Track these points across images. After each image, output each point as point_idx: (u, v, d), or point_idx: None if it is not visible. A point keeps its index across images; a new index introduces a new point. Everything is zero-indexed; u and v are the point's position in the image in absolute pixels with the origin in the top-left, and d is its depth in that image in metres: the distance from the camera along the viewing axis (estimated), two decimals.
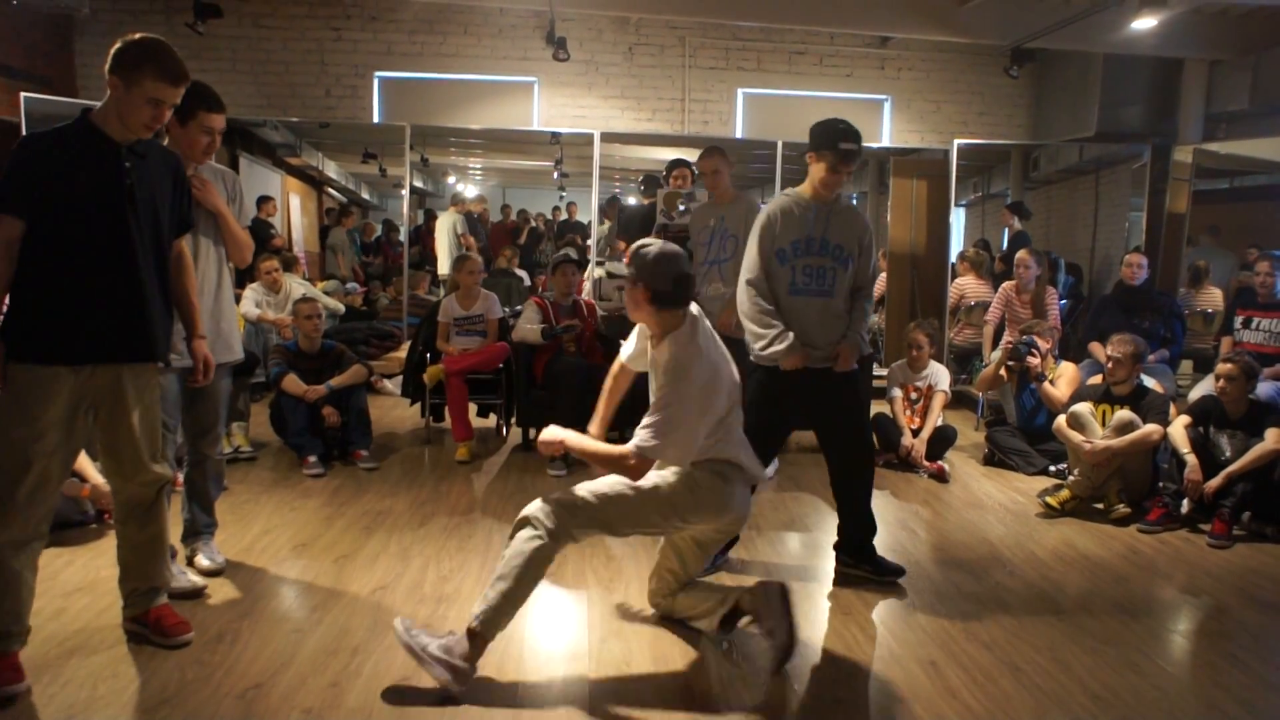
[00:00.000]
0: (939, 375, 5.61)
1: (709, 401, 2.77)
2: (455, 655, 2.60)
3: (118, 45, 2.59)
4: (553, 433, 2.84)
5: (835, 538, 3.68)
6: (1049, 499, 4.63)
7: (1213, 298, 7.23)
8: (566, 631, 3.09)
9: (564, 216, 11.26)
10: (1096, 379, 5.28)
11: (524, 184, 12.21)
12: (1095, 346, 6.03)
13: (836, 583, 3.59)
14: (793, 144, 8.47)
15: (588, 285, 7.59)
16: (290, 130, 9.04)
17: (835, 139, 3.46)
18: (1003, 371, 5.58)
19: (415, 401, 5.93)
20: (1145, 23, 6.37)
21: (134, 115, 2.58)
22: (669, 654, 2.91)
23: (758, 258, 3.52)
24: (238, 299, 6.94)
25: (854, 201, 11.12)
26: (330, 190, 10.95)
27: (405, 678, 2.69)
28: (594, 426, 3.12)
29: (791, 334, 3.43)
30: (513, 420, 5.89)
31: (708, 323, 2.94)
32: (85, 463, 3.99)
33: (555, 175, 10.23)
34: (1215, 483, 4.34)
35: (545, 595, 3.39)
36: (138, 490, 2.82)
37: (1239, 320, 5.80)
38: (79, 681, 2.62)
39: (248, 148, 8.81)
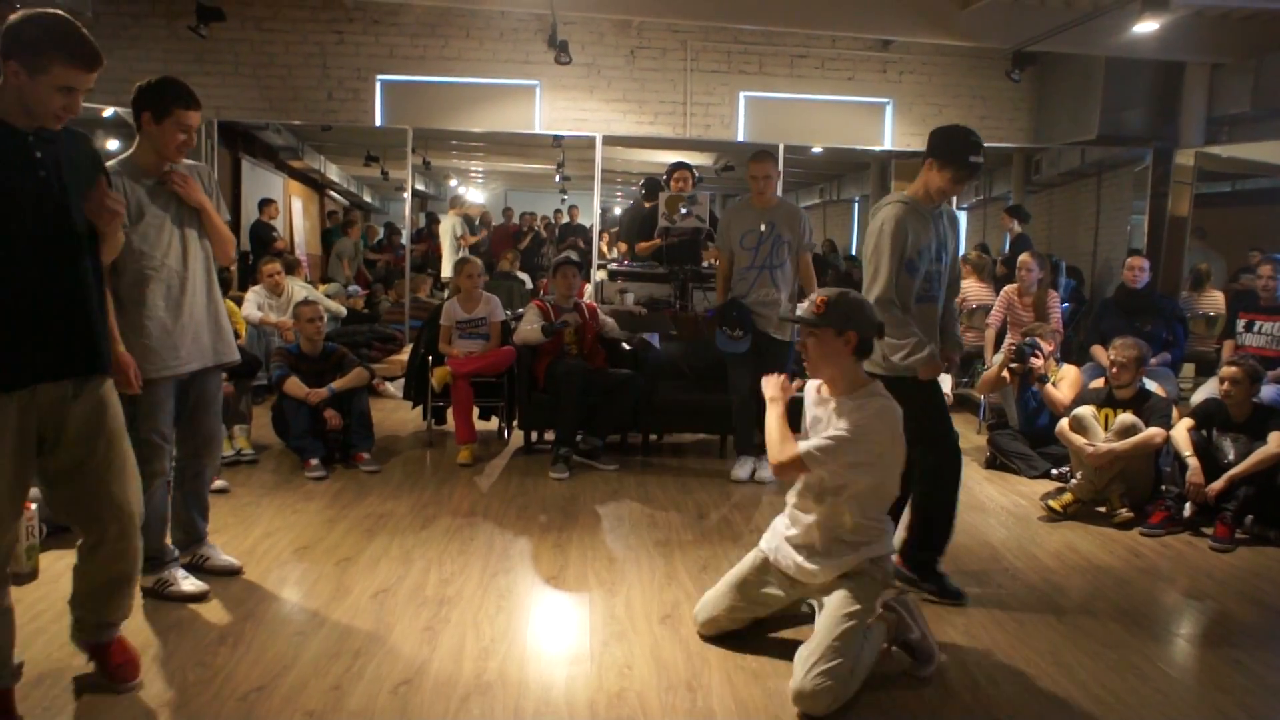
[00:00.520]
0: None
1: (887, 478, 2.82)
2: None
3: (11, 23, 2.21)
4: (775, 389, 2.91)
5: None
6: (1051, 502, 4.63)
7: (1214, 301, 7.23)
8: (568, 635, 3.08)
9: (565, 219, 11.28)
10: (1099, 382, 5.28)
11: (526, 187, 12.23)
12: (1097, 349, 6.03)
13: None
14: (794, 147, 8.49)
15: (589, 288, 7.60)
16: (292, 133, 9.07)
17: (966, 152, 3.32)
18: (1005, 374, 5.58)
19: (417, 404, 5.93)
20: (1147, 26, 6.37)
21: (42, 106, 2.25)
22: (671, 658, 2.90)
23: (890, 267, 3.32)
24: (239, 302, 7.00)
25: (854, 202, 11.17)
26: (332, 193, 10.97)
27: (406, 680, 2.69)
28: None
29: (930, 345, 3.34)
30: (514, 423, 5.89)
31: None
32: None
33: (557, 178, 10.25)
34: (1217, 486, 4.34)
35: (547, 598, 3.40)
36: (103, 529, 2.49)
37: (1241, 324, 5.80)
38: (81, 684, 2.61)
39: (250, 151, 8.83)
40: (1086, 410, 4.80)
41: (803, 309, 2.87)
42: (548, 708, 2.59)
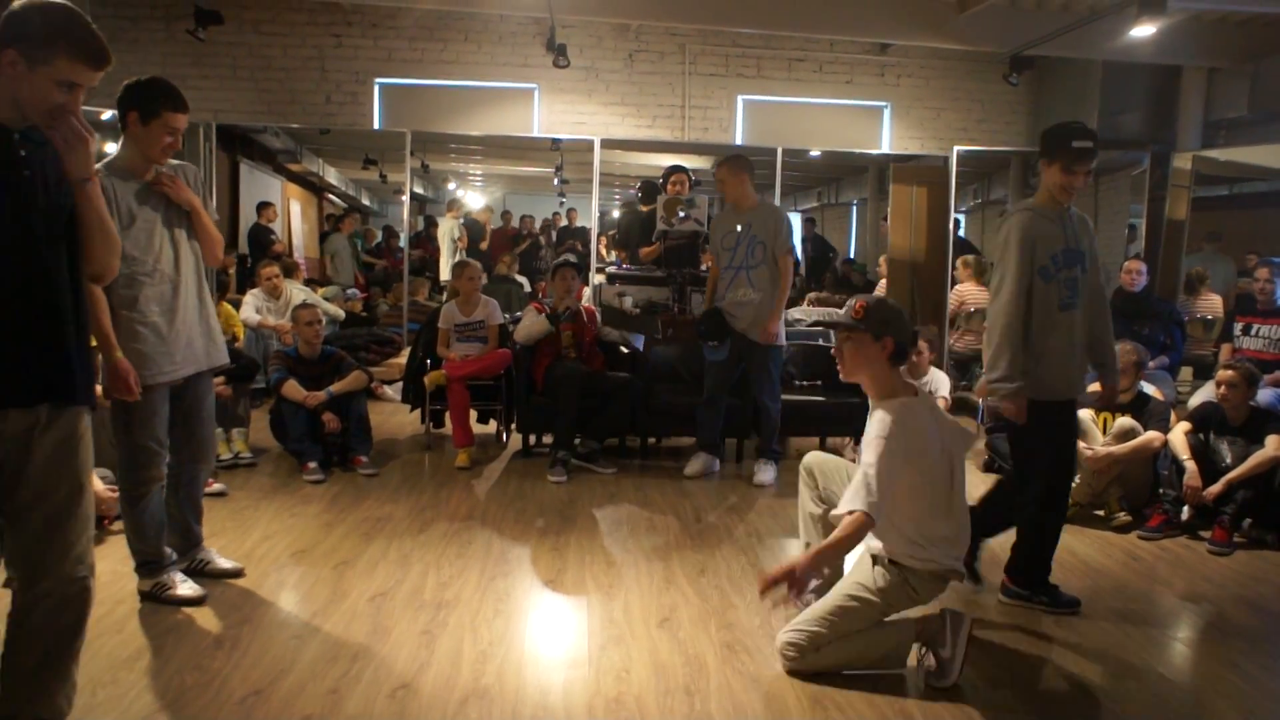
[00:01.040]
0: (939, 382, 5.60)
1: (921, 478, 2.74)
2: None
3: (15, 9, 2.02)
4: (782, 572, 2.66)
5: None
6: None
7: (1212, 304, 7.23)
8: (566, 639, 3.08)
9: (564, 223, 11.28)
10: (1096, 385, 5.27)
11: (524, 190, 12.23)
12: None
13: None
14: (792, 150, 8.50)
15: (587, 292, 7.60)
16: (291, 136, 9.06)
17: (1068, 139, 3.26)
18: None
19: (415, 408, 5.93)
20: (1144, 30, 6.38)
21: (39, 100, 2.02)
22: (669, 661, 2.90)
23: (1019, 277, 3.25)
24: (237, 305, 6.99)
25: (853, 206, 11.18)
26: (331, 196, 10.97)
27: (404, 684, 2.69)
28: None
29: (1020, 383, 3.24)
30: (513, 426, 5.88)
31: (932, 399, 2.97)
32: None
33: (555, 181, 10.25)
34: (1215, 489, 4.34)
35: (545, 602, 3.39)
36: (41, 588, 2.13)
37: (1239, 327, 5.81)
38: (78, 688, 2.60)
39: (248, 154, 8.83)
40: (1085, 414, 4.79)
41: (841, 313, 2.87)
42: (545, 712, 2.58)
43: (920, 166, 8.52)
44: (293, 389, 5.15)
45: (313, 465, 4.94)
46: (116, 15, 7.80)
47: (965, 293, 7.48)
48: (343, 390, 5.24)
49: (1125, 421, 4.64)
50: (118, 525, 3.59)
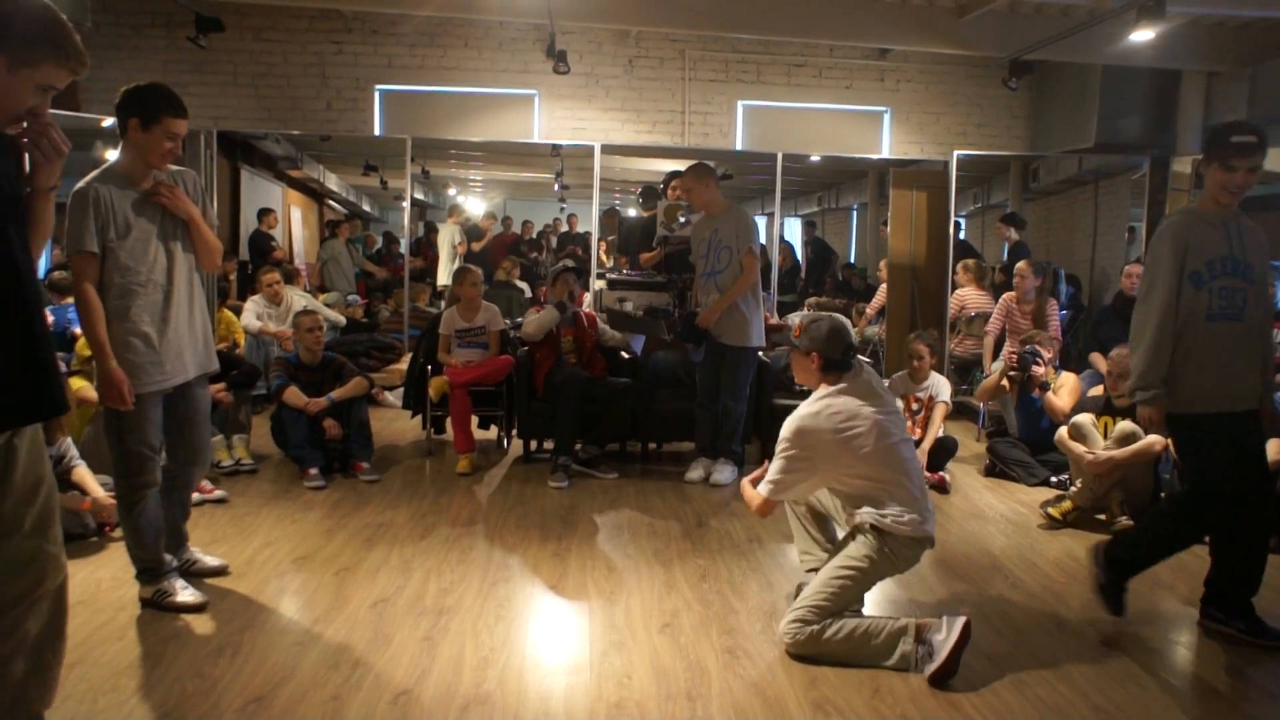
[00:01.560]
0: (940, 386, 5.60)
1: (845, 444, 3.03)
2: None
3: None
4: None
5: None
6: (1051, 510, 4.63)
7: None
8: (567, 644, 3.08)
9: (564, 228, 11.30)
10: (1097, 390, 5.28)
11: (525, 196, 12.25)
12: (1096, 357, 6.03)
13: None
14: (792, 155, 8.51)
15: (588, 297, 7.60)
16: (291, 143, 9.08)
17: (1227, 134, 3.12)
18: (1004, 382, 5.59)
19: (416, 414, 5.93)
20: (1143, 34, 6.39)
21: (13, 102, 1.94)
22: (670, 667, 2.90)
23: (1164, 284, 3.14)
24: (238, 311, 7.00)
25: (853, 210, 11.19)
26: (331, 203, 10.98)
27: (406, 690, 2.69)
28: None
29: (1158, 390, 3.14)
30: (514, 432, 5.88)
31: (869, 373, 3.19)
32: (86, 475, 3.99)
33: (556, 187, 10.27)
34: None
35: (546, 608, 3.39)
36: (34, 604, 2.07)
37: None
38: (79, 696, 2.61)
39: (249, 160, 8.84)
40: (1085, 418, 4.80)
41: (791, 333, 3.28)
42: (547, 718, 2.58)
43: (920, 171, 8.53)
44: (294, 395, 5.16)
45: (314, 471, 4.94)
46: (118, 23, 7.81)
47: (965, 297, 7.48)
48: (344, 396, 5.25)
49: (1126, 425, 4.63)
50: (119, 533, 3.59)
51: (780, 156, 8.23)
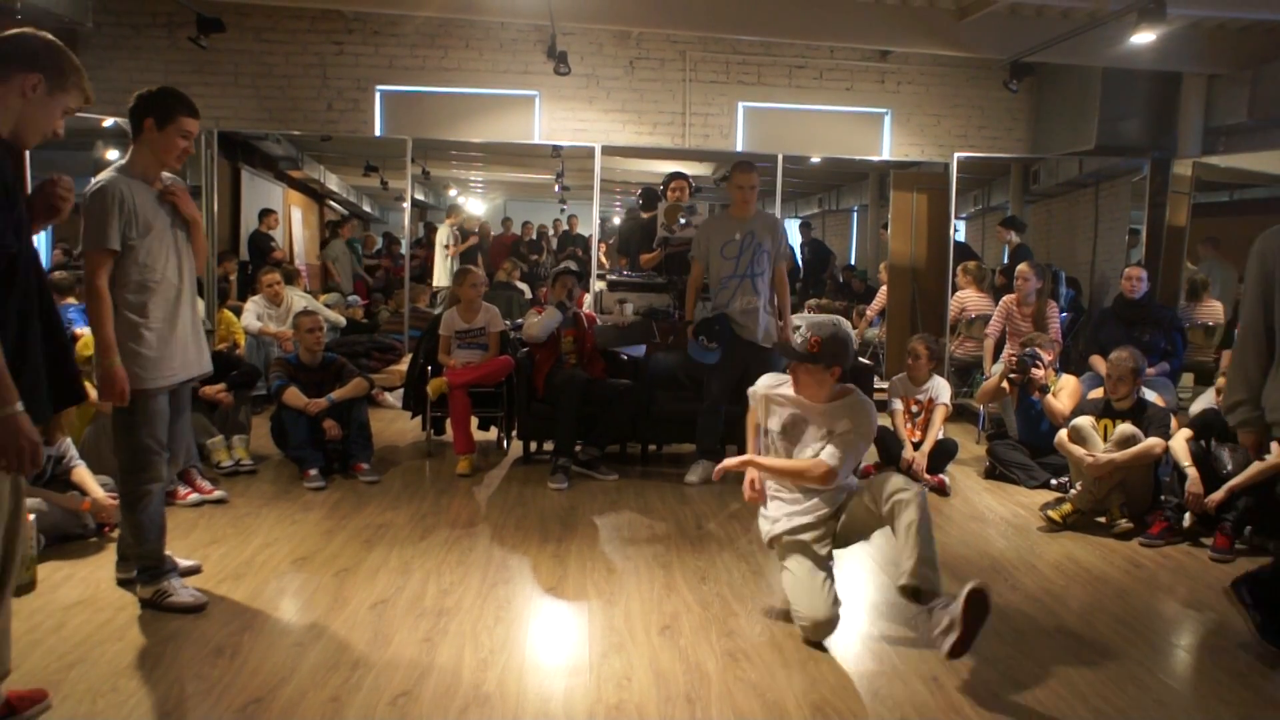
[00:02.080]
0: (940, 388, 5.60)
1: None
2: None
3: (41, 37, 2.28)
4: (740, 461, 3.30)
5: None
6: (1050, 512, 4.63)
7: (1213, 310, 7.24)
8: (567, 646, 3.08)
9: (565, 229, 11.30)
10: (1097, 392, 5.28)
11: (525, 197, 12.25)
12: (1096, 359, 6.04)
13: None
14: (793, 157, 8.51)
15: (588, 298, 7.60)
16: (292, 143, 9.08)
17: None
18: (1004, 384, 5.59)
19: (416, 415, 5.93)
20: (1144, 37, 6.39)
21: (47, 124, 2.31)
22: (670, 669, 2.90)
23: (1249, 300, 3.06)
24: (238, 311, 7.00)
25: (853, 212, 11.19)
26: (332, 203, 10.98)
27: (405, 692, 2.68)
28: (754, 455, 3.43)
29: (1246, 409, 3.05)
30: (513, 433, 5.88)
31: None
32: (86, 475, 3.99)
33: (556, 188, 10.26)
34: (1217, 496, 4.33)
35: (546, 609, 3.39)
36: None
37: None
38: (78, 696, 2.61)
39: (249, 161, 8.84)
40: (1085, 421, 4.80)
41: (797, 344, 3.23)
42: (546, 719, 2.58)
43: (920, 173, 8.54)
44: (294, 396, 5.16)
45: (313, 472, 4.94)
46: (119, 23, 7.82)
47: (966, 299, 7.48)
48: (344, 397, 5.25)
49: (1126, 428, 4.63)
50: (118, 532, 3.59)
51: (781, 158, 8.23)
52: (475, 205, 11.51)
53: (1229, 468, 4.45)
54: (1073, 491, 4.69)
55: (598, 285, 7.68)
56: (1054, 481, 5.29)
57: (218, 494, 4.58)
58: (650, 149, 8.57)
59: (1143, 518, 4.59)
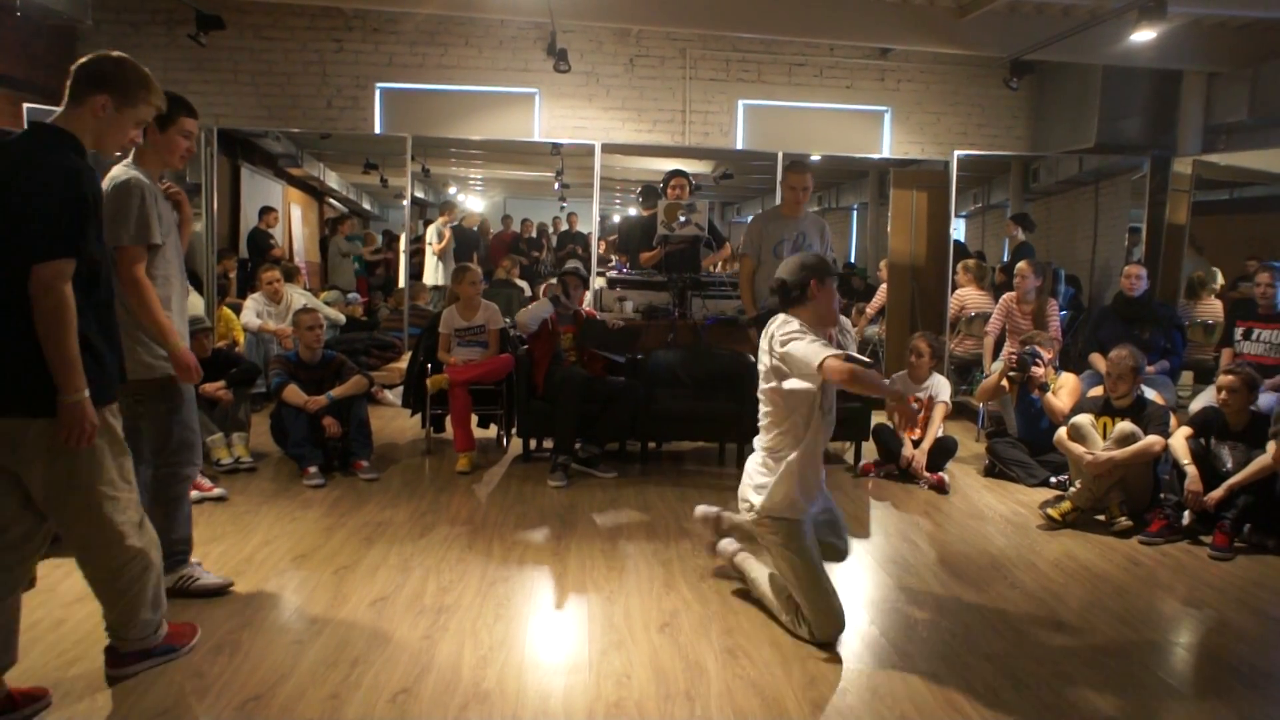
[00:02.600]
0: (940, 386, 5.61)
1: None
2: None
3: (108, 59, 2.52)
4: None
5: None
6: (1050, 510, 4.63)
7: (1213, 309, 7.24)
8: (567, 643, 3.08)
9: (564, 227, 11.30)
10: (1097, 390, 5.28)
11: (525, 194, 12.25)
12: (1096, 358, 6.03)
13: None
14: (793, 155, 8.51)
15: (588, 296, 7.60)
16: (291, 141, 9.08)
17: None
18: (1004, 382, 5.59)
19: (416, 412, 5.92)
20: (1144, 35, 6.39)
21: (122, 136, 2.57)
22: (669, 666, 2.90)
23: None
24: (237, 309, 7.00)
25: (853, 210, 11.18)
26: (331, 201, 10.98)
27: (405, 689, 2.69)
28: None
29: None
30: (513, 431, 5.88)
31: None
32: None
33: (556, 186, 10.26)
34: (1216, 494, 4.34)
35: (545, 607, 3.39)
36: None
37: (1239, 332, 5.80)
38: (78, 693, 2.61)
39: (249, 158, 8.84)
40: (1085, 419, 4.80)
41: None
42: (546, 717, 2.58)
43: (920, 171, 8.53)
44: (293, 393, 5.16)
45: (313, 470, 4.94)
46: (118, 20, 7.82)
47: (965, 297, 7.48)
48: (343, 395, 5.25)
49: (1125, 426, 4.64)
50: None
51: (781, 156, 8.22)
52: (475, 203, 11.51)
53: (1228, 466, 4.45)
54: (1072, 489, 4.69)
55: (598, 283, 7.67)
56: (1053, 479, 5.29)
57: (217, 491, 4.58)
58: (650, 147, 8.57)
59: (1142, 516, 4.59)
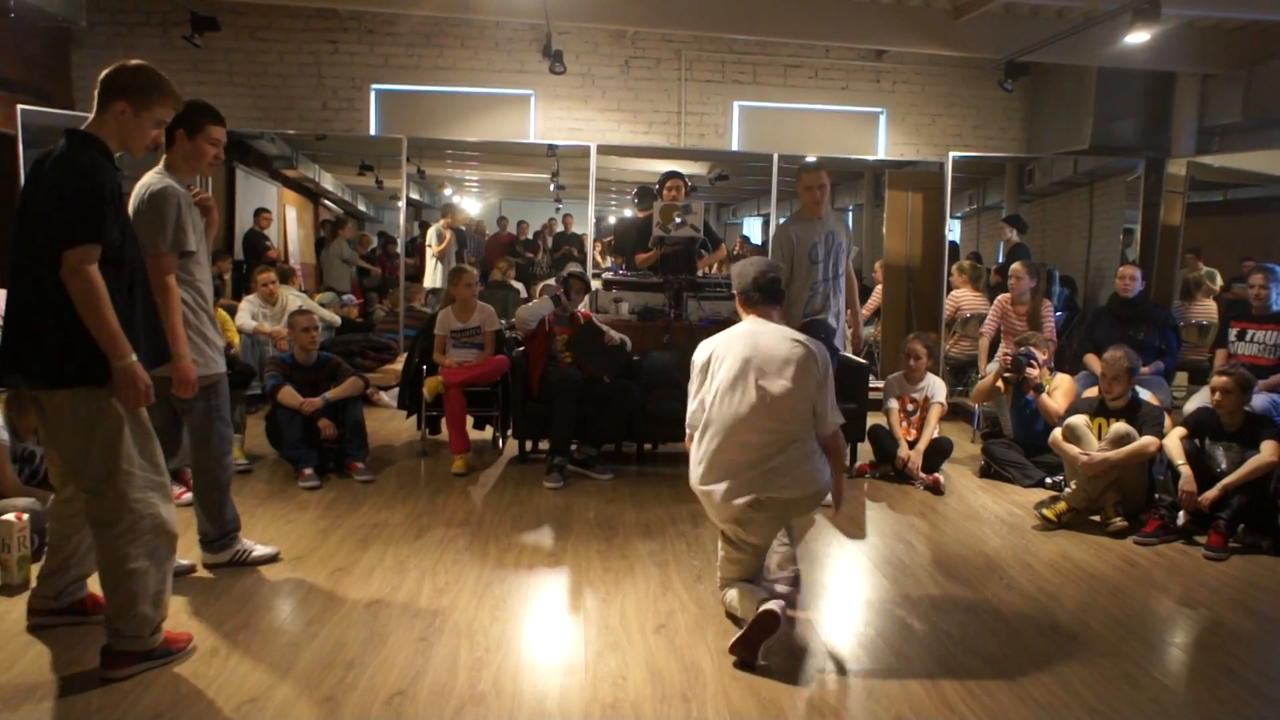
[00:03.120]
0: (935, 387, 5.62)
1: None
2: None
3: (126, 68, 2.72)
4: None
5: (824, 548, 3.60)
6: (1045, 511, 4.63)
7: (1207, 309, 7.26)
8: (563, 645, 3.08)
9: (560, 228, 11.27)
10: (1092, 391, 5.29)
11: (521, 196, 12.22)
12: (1091, 358, 6.05)
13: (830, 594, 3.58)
14: (788, 156, 8.52)
15: (585, 298, 7.59)
16: (287, 142, 9.06)
17: None
18: (999, 383, 5.59)
19: (411, 414, 5.92)
20: (1139, 37, 6.41)
21: (143, 138, 2.76)
22: (665, 668, 2.90)
23: None
24: (232, 311, 6.98)
25: (848, 211, 11.20)
26: (326, 202, 10.95)
27: (400, 691, 2.68)
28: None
29: None
30: (509, 432, 5.88)
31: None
32: None
33: (552, 187, 10.25)
34: (1211, 495, 4.35)
35: (541, 608, 3.39)
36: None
37: (1233, 332, 5.82)
38: (72, 695, 2.60)
39: (244, 160, 8.82)
40: (1080, 419, 4.81)
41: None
42: (542, 718, 2.58)
43: (916, 173, 8.55)
44: (288, 395, 5.15)
45: (308, 471, 4.93)
46: (113, 22, 7.81)
47: (961, 298, 7.49)
48: (339, 396, 5.24)
49: (1120, 427, 4.65)
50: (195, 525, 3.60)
51: (776, 157, 8.24)
52: (470, 204, 11.47)
53: (1223, 466, 4.46)
54: (1067, 490, 4.70)
55: (593, 284, 7.67)
56: (1049, 480, 5.30)
57: None
58: (646, 148, 8.57)
59: (1137, 516, 4.61)
